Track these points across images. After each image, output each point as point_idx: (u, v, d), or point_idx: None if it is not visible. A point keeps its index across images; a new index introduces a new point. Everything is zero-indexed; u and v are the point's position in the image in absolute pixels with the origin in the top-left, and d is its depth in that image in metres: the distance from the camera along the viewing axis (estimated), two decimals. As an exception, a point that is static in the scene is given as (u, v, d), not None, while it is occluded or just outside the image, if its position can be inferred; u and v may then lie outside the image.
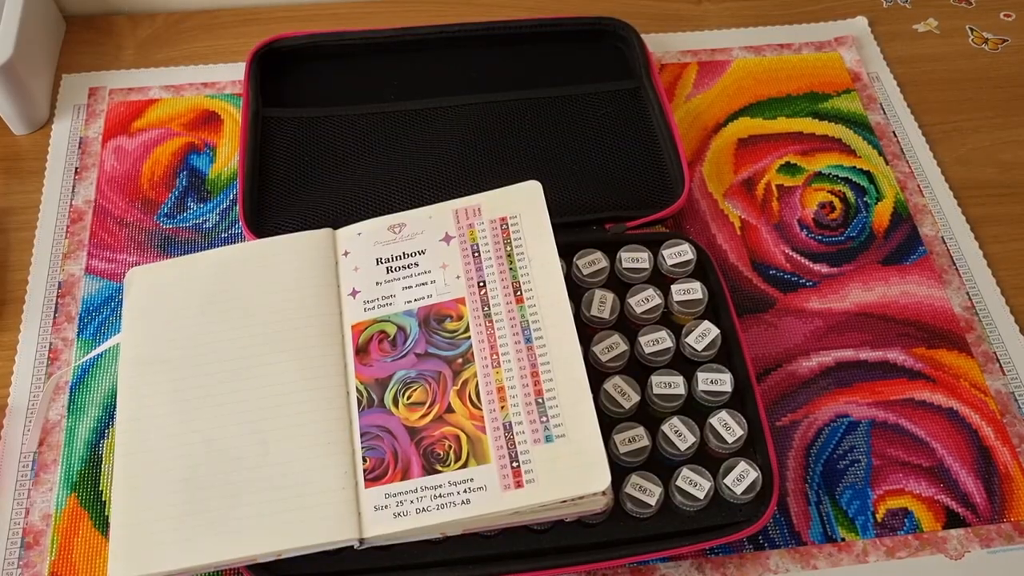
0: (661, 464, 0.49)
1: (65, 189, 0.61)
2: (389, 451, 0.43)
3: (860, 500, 0.51)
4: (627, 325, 0.53)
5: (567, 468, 0.41)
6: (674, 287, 0.54)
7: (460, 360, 0.45)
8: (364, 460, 0.43)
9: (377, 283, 0.48)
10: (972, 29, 0.74)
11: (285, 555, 0.41)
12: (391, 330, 0.46)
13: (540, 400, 0.43)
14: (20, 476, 0.50)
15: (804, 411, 0.54)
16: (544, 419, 0.43)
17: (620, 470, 0.48)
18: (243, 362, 0.46)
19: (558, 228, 0.57)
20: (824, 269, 0.59)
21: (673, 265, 0.55)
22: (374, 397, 0.45)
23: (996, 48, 0.72)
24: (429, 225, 0.49)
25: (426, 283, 0.47)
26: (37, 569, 0.47)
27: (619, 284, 0.55)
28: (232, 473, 0.43)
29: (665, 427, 0.49)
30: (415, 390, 0.45)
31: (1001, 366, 0.56)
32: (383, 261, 0.48)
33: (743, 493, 0.47)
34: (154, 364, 0.46)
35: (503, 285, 0.46)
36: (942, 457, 0.52)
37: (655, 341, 0.52)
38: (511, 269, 0.47)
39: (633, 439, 0.48)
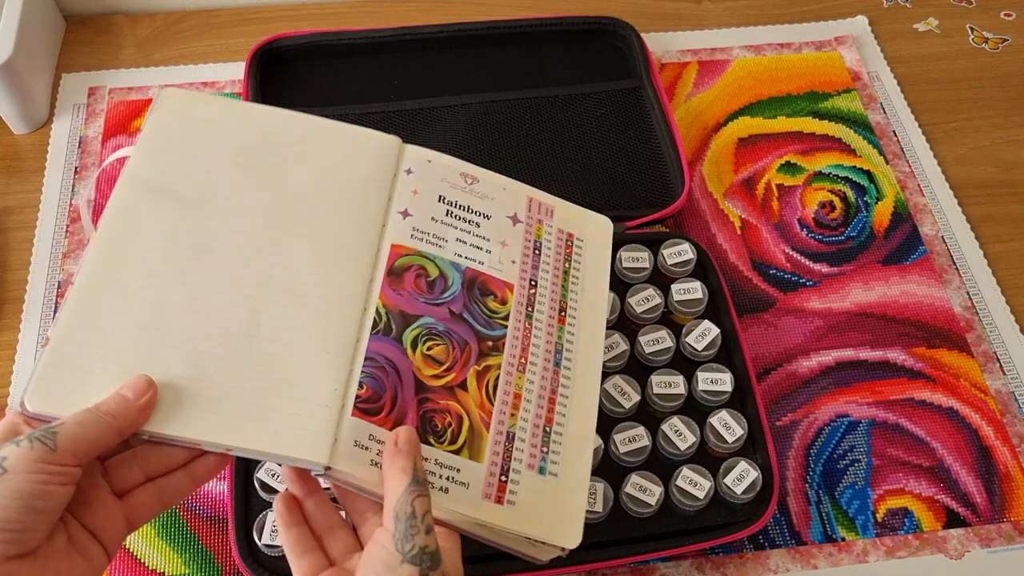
0: (661, 464, 0.49)
1: (65, 188, 0.61)
2: (390, 390, 0.39)
3: (860, 500, 0.51)
4: (627, 324, 0.53)
5: (546, 508, 0.39)
6: (674, 287, 0.54)
7: (490, 343, 0.41)
8: (360, 386, 0.38)
9: (433, 219, 0.43)
10: (972, 28, 0.73)
11: (235, 453, 0.36)
12: (433, 272, 0.42)
13: (548, 429, 0.41)
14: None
15: (804, 411, 0.54)
16: (544, 449, 0.40)
17: (620, 470, 0.48)
18: (262, 229, 0.40)
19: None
20: (824, 269, 0.59)
21: (673, 264, 0.55)
22: (393, 326, 0.40)
23: (996, 47, 0.72)
24: (501, 195, 0.45)
25: (481, 248, 0.43)
26: None
27: (619, 284, 0.55)
28: (208, 341, 0.37)
29: (665, 427, 0.49)
30: (438, 345, 0.40)
31: (1001, 366, 0.56)
32: (446, 201, 0.44)
33: (743, 493, 0.47)
34: (161, 194, 0.40)
35: (552, 297, 0.44)
36: (942, 457, 0.52)
37: (655, 341, 0.52)
38: (563, 287, 0.44)
39: (633, 439, 0.48)
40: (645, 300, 0.53)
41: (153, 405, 0.34)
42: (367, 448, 0.37)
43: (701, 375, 0.50)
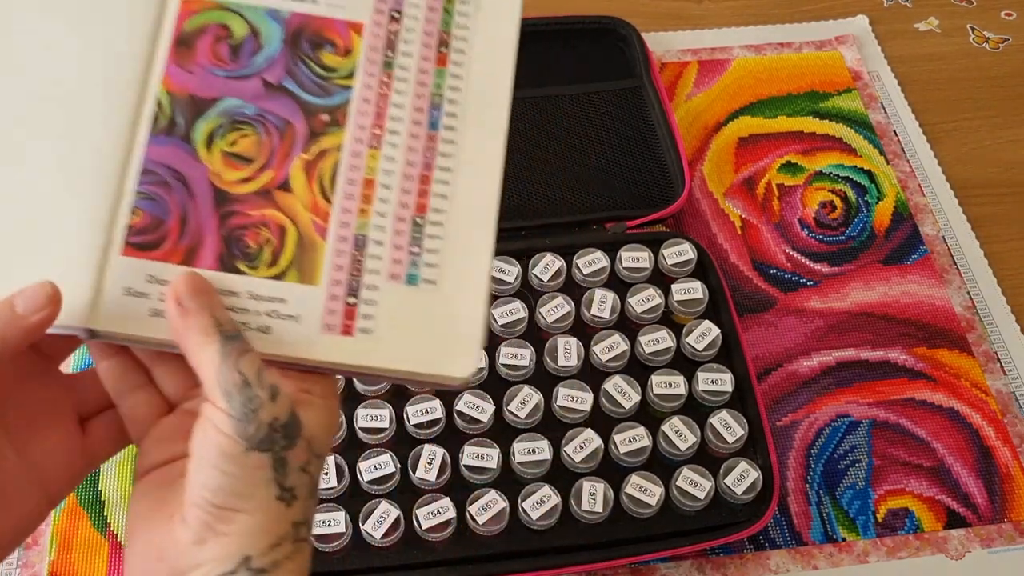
0: (661, 464, 0.49)
1: None
2: (176, 212, 0.29)
3: (861, 500, 0.51)
4: (627, 325, 0.53)
5: (422, 330, 0.29)
6: (674, 287, 0.53)
7: (326, 117, 0.31)
8: (133, 212, 0.29)
9: None
10: (973, 28, 0.73)
11: None
12: (239, 29, 0.31)
13: (419, 221, 0.30)
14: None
15: (805, 411, 0.54)
16: (415, 250, 0.30)
17: (620, 470, 0.48)
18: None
19: (559, 228, 0.57)
20: (825, 269, 0.59)
21: (673, 264, 0.55)
22: (179, 121, 0.30)
23: (997, 47, 0.72)
24: None
25: None
26: (36, 569, 0.47)
27: (619, 284, 0.55)
28: None
29: (665, 427, 0.49)
30: (245, 136, 0.30)
31: (1002, 366, 0.56)
32: None
33: (743, 493, 0.47)
34: None
35: (426, 29, 0.32)
36: (943, 457, 0.52)
37: (655, 341, 0.51)
38: (446, 11, 0.32)
39: (633, 439, 0.48)
40: (645, 300, 0.53)
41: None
42: (145, 295, 0.28)
43: (701, 375, 0.50)
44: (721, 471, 0.47)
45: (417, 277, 0.30)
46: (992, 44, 0.72)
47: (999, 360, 0.56)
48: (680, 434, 0.48)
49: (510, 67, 0.32)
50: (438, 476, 0.46)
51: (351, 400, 0.49)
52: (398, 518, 0.45)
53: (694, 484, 0.47)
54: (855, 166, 0.64)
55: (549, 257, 0.54)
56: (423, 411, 0.48)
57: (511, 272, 0.53)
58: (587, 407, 0.49)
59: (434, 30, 0.32)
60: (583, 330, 0.53)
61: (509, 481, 0.47)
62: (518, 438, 0.48)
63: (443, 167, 0.31)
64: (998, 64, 0.71)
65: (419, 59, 0.31)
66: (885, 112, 0.67)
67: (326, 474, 0.46)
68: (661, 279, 0.55)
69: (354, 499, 0.46)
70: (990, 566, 0.49)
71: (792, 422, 0.53)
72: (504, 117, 0.31)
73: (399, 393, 0.50)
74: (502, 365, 0.50)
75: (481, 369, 0.49)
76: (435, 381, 0.30)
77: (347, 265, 0.30)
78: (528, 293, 0.53)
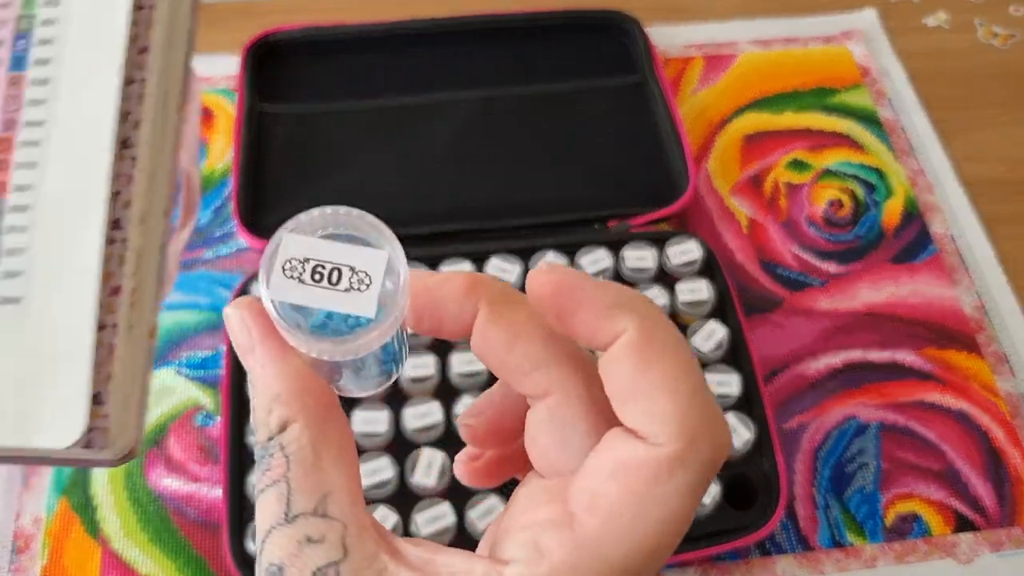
0: (666, 468, 0.48)
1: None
2: None
3: (869, 504, 0.50)
4: (631, 325, 0.52)
5: (4, 381, 0.20)
6: (680, 286, 0.52)
7: None
8: None
9: None
10: (981, 24, 0.72)
11: None
12: None
13: None
14: (10, 479, 0.49)
15: (812, 413, 0.53)
16: None
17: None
18: None
19: (561, 226, 0.56)
20: (833, 268, 0.58)
21: (679, 264, 0.54)
22: None
23: (1006, 43, 0.71)
24: None
25: None
26: (28, 573, 0.46)
27: (623, 283, 0.54)
28: None
29: (670, 430, 0.48)
30: None
31: (1011, 367, 0.55)
32: None
33: (748, 497, 0.46)
34: None
35: None
36: (952, 460, 0.51)
37: (660, 342, 0.50)
38: None
39: (638, 443, 0.47)
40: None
41: None
42: None
43: (708, 377, 0.49)
44: (727, 474, 0.47)
45: None
46: (1001, 40, 0.71)
47: (1008, 361, 0.55)
48: (685, 437, 0.47)
49: None
50: (437, 481, 0.45)
51: (346, 404, 0.48)
52: (396, 524, 0.44)
53: (700, 489, 0.46)
54: (863, 163, 0.63)
55: (551, 256, 0.53)
56: (422, 414, 0.47)
57: (512, 271, 0.52)
58: (590, 410, 0.48)
59: None
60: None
61: (511, 486, 0.46)
62: (520, 441, 0.47)
63: (33, 120, 0.21)
64: (1007, 61, 0.70)
65: None
66: (893, 108, 0.66)
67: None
68: (666, 279, 0.54)
69: (352, 504, 0.45)
70: (999, 570, 0.48)
71: (799, 425, 0.52)
72: (123, 35, 0.21)
73: (397, 396, 0.49)
74: (503, 367, 0.49)
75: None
76: (34, 456, 0.20)
77: None
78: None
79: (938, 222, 0.61)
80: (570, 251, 0.53)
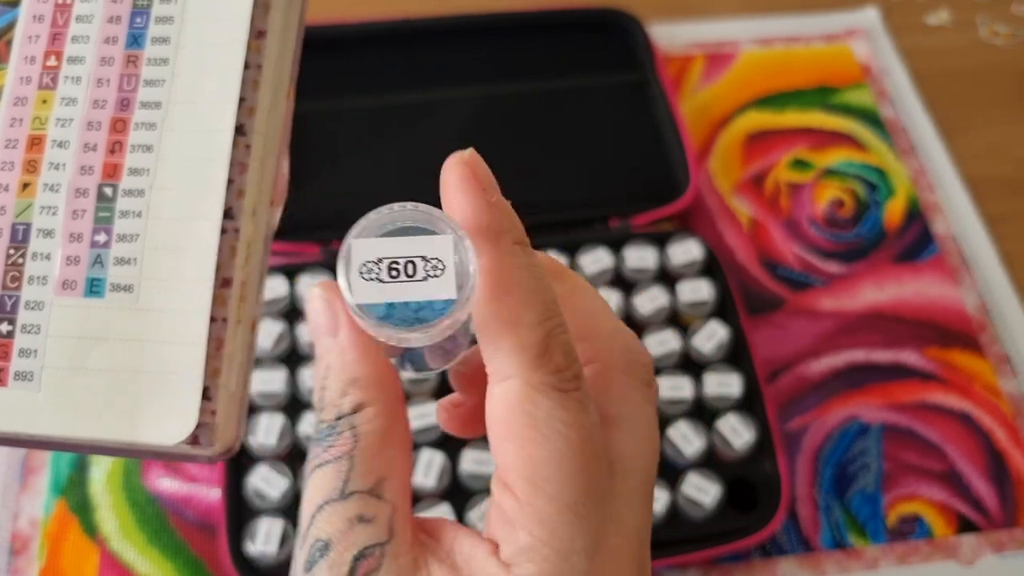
0: (667, 469, 0.48)
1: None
2: None
3: (871, 506, 0.50)
4: (633, 325, 0.52)
5: (114, 372, 0.19)
6: (681, 286, 0.52)
7: None
8: None
9: None
10: (984, 22, 0.72)
11: None
12: None
13: (108, 190, 0.20)
14: (8, 481, 0.48)
15: (814, 414, 0.52)
16: (101, 238, 0.20)
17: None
18: None
19: (561, 225, 0.56)
20: (835, 268, 0.58)
21: (680, 263, 0.53)
22: None
23: (1008, 42, 0.71)
24: None
25: None
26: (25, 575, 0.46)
27: (624, 283, 0.53)
28: None
29: (671, 431, 0.47)
30: None
31: (1013, 368, 0.55)
32: None
33: (751, 499, 0.46)
34: None
35: None
36: (954, 461, 0.51)
37: (661, 342, 0.50)
38: None
39: (639, 443, 0.47)
40: (651, 300, 0.52)
41: None
42: None
43: (709, 378, 0.49)
44: (728, 476, 0.46)
45: (102, 284, 0.19)
46: (1004, 39, 0.71)
47: (1011, 362, 0.55)
48: (687, 438, 0.47)
49: None
50: (437, 481, 0.45)
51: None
52: (397, 525, 0.44)
53: (701, 490, 0.46)
54: (865, 163, 0.63)
55: (552, 255, 0.53)
56: (422, 415, 0.47)
57: (513, 271, 0.52)
58: (591, 410, 0.48)
59: None
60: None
61: None
62: (520, 442, 0.46)
63: (148, 101, 0.20)
64: (1010, 59, 0.70)
65: None
66: (895, 107, 0.66)
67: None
68: (667, 278, 0.54)
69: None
70: (1001, 571, 0.48)
71: (801, 426, 0.52)
72: (247, 16, 0.20)
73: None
74: (504, 367, 0.49)
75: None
76: (138, 450, 0.19)
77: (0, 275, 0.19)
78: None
79: (940, 222, 0.61)
80: (570, 250, 0.53)
